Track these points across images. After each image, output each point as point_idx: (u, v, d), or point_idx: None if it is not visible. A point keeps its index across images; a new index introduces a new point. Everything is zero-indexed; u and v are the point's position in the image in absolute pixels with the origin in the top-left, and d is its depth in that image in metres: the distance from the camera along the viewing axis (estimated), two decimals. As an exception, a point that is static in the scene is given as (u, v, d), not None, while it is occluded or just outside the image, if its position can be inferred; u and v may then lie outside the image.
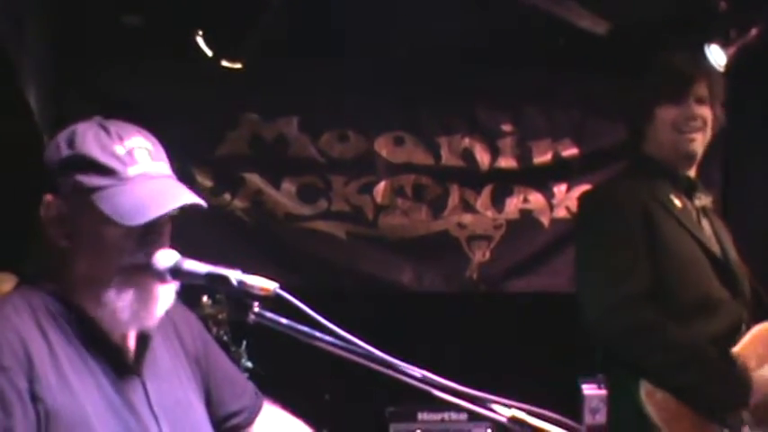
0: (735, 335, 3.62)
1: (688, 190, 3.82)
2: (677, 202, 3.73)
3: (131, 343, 2.28)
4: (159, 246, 2.22)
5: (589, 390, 6.07)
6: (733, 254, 3.83)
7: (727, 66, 5.54)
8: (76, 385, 2.13)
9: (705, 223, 3.81)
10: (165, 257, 2.20)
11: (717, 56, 5.56)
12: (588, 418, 5.97)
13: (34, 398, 2.06)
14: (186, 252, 2.25)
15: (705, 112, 3.75)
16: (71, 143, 2.21)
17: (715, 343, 3.58)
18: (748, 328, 3.68)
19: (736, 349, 3.59)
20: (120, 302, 2.19)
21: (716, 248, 3.75)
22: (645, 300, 3.54)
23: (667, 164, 3.78)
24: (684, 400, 3.49)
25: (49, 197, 2.23)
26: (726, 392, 3.53)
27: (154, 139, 2.30)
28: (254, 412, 2.60)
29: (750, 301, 3.77)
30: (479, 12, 5.64)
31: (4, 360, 2.07)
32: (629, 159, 3.97)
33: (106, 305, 2.19)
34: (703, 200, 3.85)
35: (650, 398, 3.50)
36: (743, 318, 3.69)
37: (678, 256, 3.64)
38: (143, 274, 2.20)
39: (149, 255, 2.20)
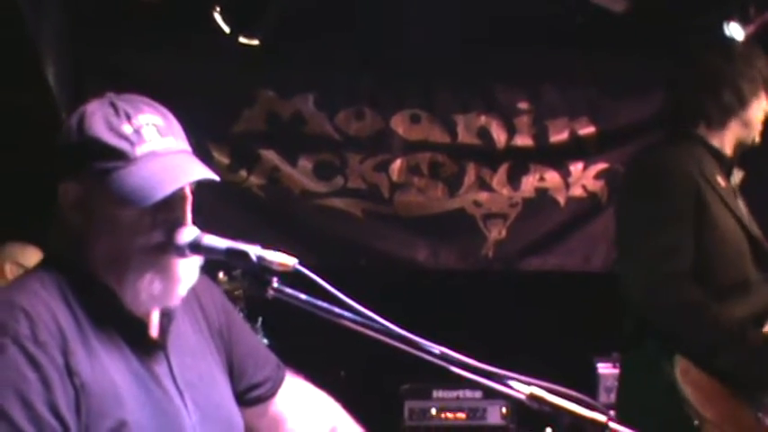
0: (765, 317, 3.62)
1: (729, 169, 3.82)
2: (721, 181, 3.73)
3: (155, 317, 2.29)
4: (176, 223, 2.21)
5: (604, 369, 6.15)
6: (760, 233, 3.83)
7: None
8: (105, 359, 2.14)
9: (740, 203, 3.81)
10: (185, 233, 2.20)
11: (736, 34, 5.53)
12: (603, 397, 6.04)
13: (70, 372, 2.07)
14: (202, 228, 2.25)
15: None
16: (80, 126, 2.21)
17: (747, 324, 3.58)
18: None
19: (765, 330, 3.59)
20: (141, 283, 2.19)
21: (752, 228, 3.76)
22: (690, 277, 3.54)
23: (718, 148, 3.78)
24: (723, 378, 3.49)
25: (64, 182, 2.23)
26: (763, 371, 3.53)
27: (165, 112, 2.28)
28: (276, 383, 2.60)
29: None
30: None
31: (41, 335, 2.07)
32: (678, 128, 3.91)
33: (127, 285, 2.20)
34: (737, 177, 3.85)
35: (685, 376, 3.49)
36: None
37: (723, 235, 3.64)
38: (162, 253, 2.20)
39: (166, 233, 2.20)
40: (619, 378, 4.01)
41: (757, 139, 3.83)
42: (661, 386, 3.53)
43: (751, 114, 3.78)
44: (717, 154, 3.77)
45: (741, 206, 3.80)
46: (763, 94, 3.77)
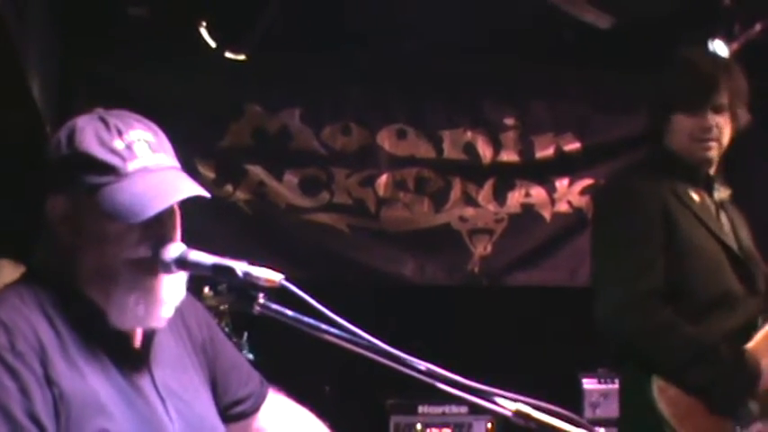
0: (750, 331, 3.62)
1: (707, 184, 3.80)
2: (696, 197, 3.71)
3: (138, 330, 2.29)
4: (164, 238, 2.22)
5: (589, 384, 6.16)
6: (750, 247, 3.82)
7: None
8: (85, 370, 2.14)
9: (723, 217, 3.80)
10: (172, 249, 2.21)
11: (720, 51, 5.56)
12: (588, 412, 6.04)
13: (49, 381, 2.08)
14: (188, 243, 2.25)
15: (721, 121, 3.70)
16: (71, 140, 2.21)
17: (731, 339, 3.58)
18: (764, 324, 3.67)
19: (749, 345, 3.59)
20: (127, 302, 2.20)
21: (733, 243, 3.74)
22: (658, 298, 3.52)
23: (687, 160, 3.76)
24: (696, 396, 3.49)
25: (53, 195, 2.23)
26: (735, 386, 3.52)
27: (156, 129, 2.28)
28: (259, 400, 2.61)
29: (765, 295, 3.76)
30: (483, 5, 5.63)
31: (18, 345, 2.08)
32: (647, 149, 3.93)
33: (113, 302, 2.20)
34: (722, 193, 3.83)
35: (662, 394, 3.49)
36: (759, 314, 3.69)
37: (697, 253, 3.63)
38: (149, 268, 2.20)
39: (153, 248, 2.20)
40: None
41: (710, 153, 3.75)
42: (641, 404, 3.53)
43: (682, 130, 3.72)
44: (689, 169, 3.76)
45: (724, 221, 3.79)
46: (684, 111, 3.71)
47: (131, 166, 2.18)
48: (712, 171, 3.80)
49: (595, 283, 3.73)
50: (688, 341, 3.53)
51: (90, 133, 2.20)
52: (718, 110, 3.70)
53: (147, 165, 2.20)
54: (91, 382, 2.14)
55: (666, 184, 3.69)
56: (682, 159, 3.74)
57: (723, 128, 3.72)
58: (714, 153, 3.74)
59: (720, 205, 3.82)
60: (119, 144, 2.19)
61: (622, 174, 4.04)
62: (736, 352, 3.56)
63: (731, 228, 3.80)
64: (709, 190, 3.79)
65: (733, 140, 3.80)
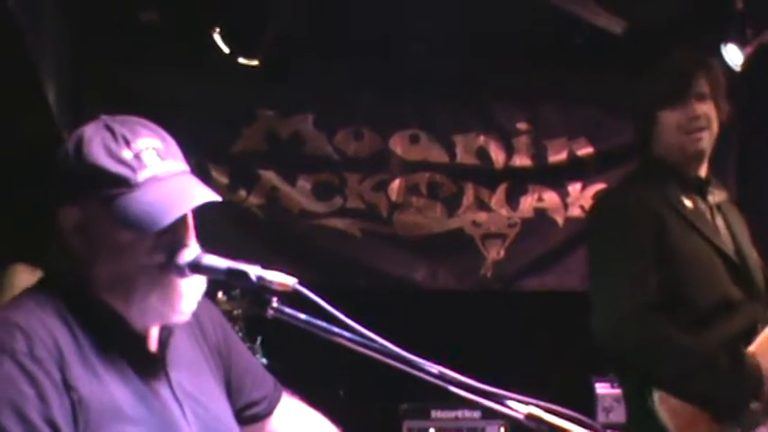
0: (751, 335, 3.60)
1: (700, 189, 3.78)
2: (688, 204, 3.68)
3: (154, 332, 2.30)
4: (178, 244, 2.23)
5: (602, 388, 6.15)
6: (749, 250, 3.79)
7: (744, 65, 5.54)
8: (103, 374, 2.16)
9: (719, 221, 3.76)
10: (185, 253, 2.22)
11: (733, 55, 5.56)
12: (602, 417, 6.04)
13: (67, 386, 2.09)
14: (202, 248, 2.26)
15: (707, 108, 3.69)
16: (79, 152, 2.20)
17: (732, 344, 3.56)
18: (764, 327, 3.65)
19: (750, 349, 3.58)
20: (146, 302, 2.21)
21: (729, 248, 3.71)
22: (654, 310, 3.50)
23: (677, 165, 3.74)
24: (698, 405, 3.47)
25: (64, 207, 2.24)
26: (737, 390, 3.51)
27: (162, 133, 2.28)
28: (273, 402, 2.62)
29: (765, 298, 3.75)
30: (496, 9, 5.64)
31: (37, 350, 2.08)
32: (639, 160, 3.94)
33: (132, 305, 2.21)
34: (717, 196, 3.80)
35: (664, 404, 3.48)
36: (759, 317, 3.67)
37: (692, 261, 3.60)
38: (165, 272, 2.21)
39: (168, 254, 2.21)
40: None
41: (701, 144, 3.71)
42: (643, 414, 3.52)
43: (670, 125, 3.71)
44: (680, 175, 3.74)
45: (719, 225, 3.76)
46: (668, 104, 3.71)
47: (141, 176, 2.18)
48: (703, 173, 3.78)
49: (592, 298, 3.71)
50: (686, 352, 3.51)
51: (97, 144, 2.20)
52: (701, 98, 3.69)
53: (157, 173, 2.20)
54: (109, 387, 2.15)
55: (658, 192, 3.67)
56: (672, 163, 3.72)
57: (710, 116, 3.70)
58: (705, 144, 3.71)
59: (717, 209, 3.80)
60: (127, 154, 2.19)
61: (613, 187, 4.02)
62: (736, 357, 3.54)
63: (728, 231, 3.77)
64: (702, 194, 3.77)
65: (720, 136, 3.79)
